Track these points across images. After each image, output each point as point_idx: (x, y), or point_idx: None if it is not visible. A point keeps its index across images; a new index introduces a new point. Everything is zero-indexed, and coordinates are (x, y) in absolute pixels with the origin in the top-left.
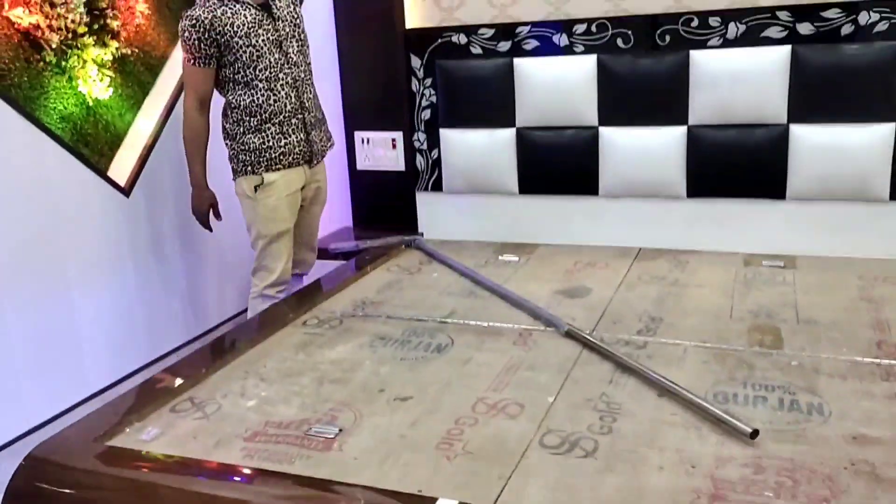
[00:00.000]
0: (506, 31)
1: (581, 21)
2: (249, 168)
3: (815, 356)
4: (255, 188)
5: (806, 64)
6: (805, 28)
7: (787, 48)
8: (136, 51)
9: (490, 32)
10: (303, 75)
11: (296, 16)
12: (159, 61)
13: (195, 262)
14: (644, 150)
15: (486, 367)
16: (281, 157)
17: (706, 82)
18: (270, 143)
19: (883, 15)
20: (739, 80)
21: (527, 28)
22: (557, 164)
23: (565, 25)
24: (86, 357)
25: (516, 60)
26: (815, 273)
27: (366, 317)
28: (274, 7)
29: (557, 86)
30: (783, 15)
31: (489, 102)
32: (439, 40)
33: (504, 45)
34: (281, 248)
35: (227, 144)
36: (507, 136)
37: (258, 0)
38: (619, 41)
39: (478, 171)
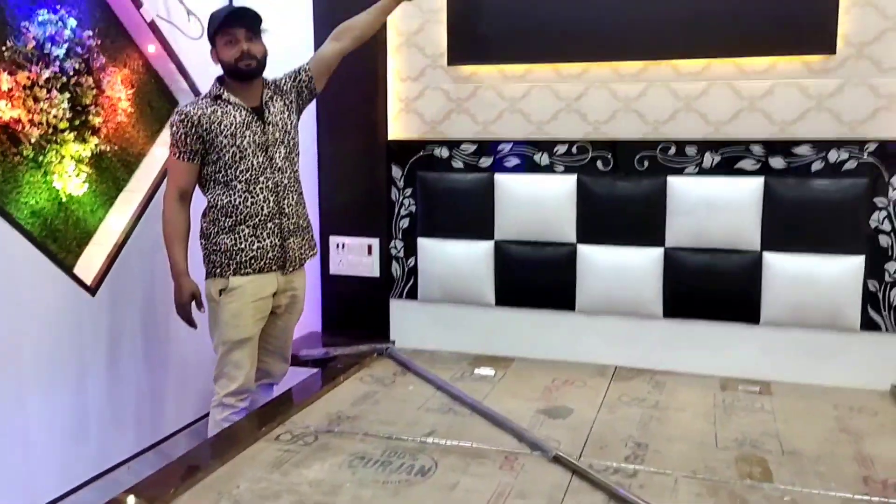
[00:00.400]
0: (488, 147)
1: (562, 142)
2: (218, 270)
3: (806, 491)
4: (220, 292)
5: (778, 196)
6: (777, 162)
7: (760, 180)
8: (115, 147)
9: (472, 148)
10: (286, 181)
11: (288, 122)
12: (136, 158)
13: (157, 365)
14: (621, 269)
15: (475, 494)
16: (251, 261)
17: (683, 207)
18: (242, 246)
19: (851, 154)
20: (715, 207)
21: (509, 145)
22: (535, 279)
23: (547, 145)
24: (35, 464)
25: (497, 176)
26: (792, 400)
27: (342, 433)
28: (267, 111)
29: (537, 202)
30: (756, 149)
31: (469, 215)
32: (421, 152)
33: (486, 161)
34: (242, 357)
35: (201, 244)
36: (485, 248)
37: (251, 103)
38: (599, 163)
39: (454, 280)
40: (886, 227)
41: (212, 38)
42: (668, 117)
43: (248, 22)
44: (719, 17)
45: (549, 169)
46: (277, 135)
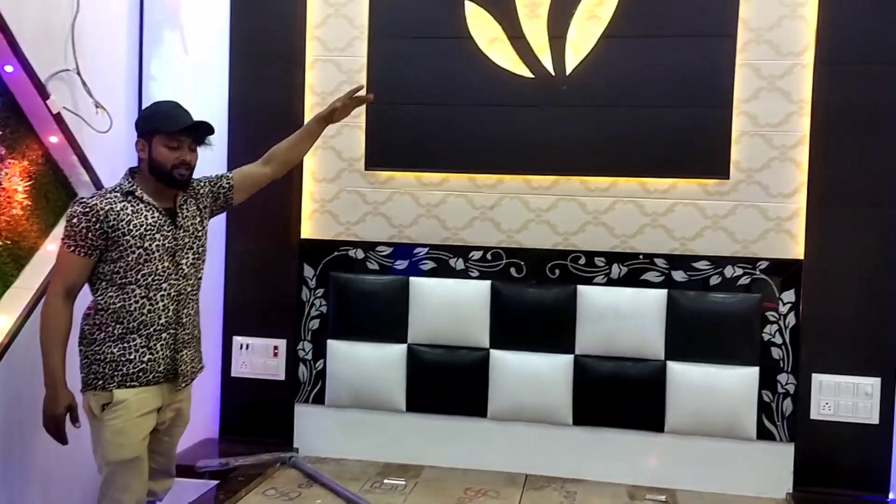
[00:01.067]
0: (403, 250)
1: (477, 248)
2: (100, 382)
3: None
4: (103, 407)
5: (680, 307)
6: (679, 275)
7: (663, 292)
8: (6, 241)
9: (388, 250)
10: (189, 289)
11: (199, 227)
12: (28, 253)
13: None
14: (533, 376)
15: None
16: (140, 374)
17: (592, 315)
18: (131, 357)
19: (745, 270)
20: (622, 316)
21: (424, 249)
22: (447, 384)
23: (462, 251)
24: None
25: (412, 279)
26: None
27: None
28: (180, 215)
29: (451, 307)
30: (660, 262)
31: (382, 317)
32: (335, 253)
33: (401, 264)
34: (129, 479)
35: (80, 350)
36: (397, 351)
37: (164, 204)
38: (513, 270)
39: (364, 385)
40: (778, 339)
41: (150, 132)
42: (577, 229)
43: (201, 136)
44: (626, 140)
45: (463, 274)
46: (187, 240)
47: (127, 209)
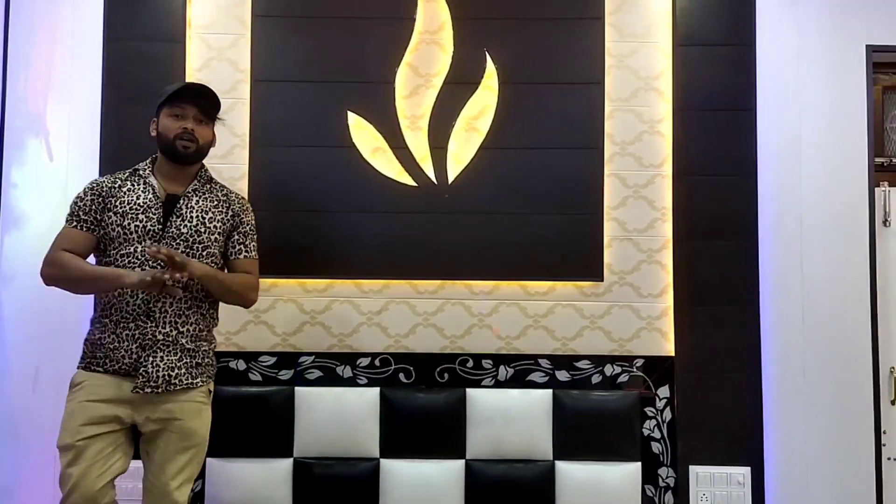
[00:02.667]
0: (288, 359)
1: (365, 355)
2: (79, 362)
3: None
4: (70, 386)
5: (565, 407)
6: (563, 375)
7: (549, 392)
8: None
9: (272, 360)
10: (170, 283)
11: (208, 225)
12: None
13: None
14: (424, 484)
15: None
16: (102, 360)
17: (481, 419)
18: (101, 340)
19: (623, 368)
20: (511, 418)
21: (310, 358)
22: (336, 498)
23: (349, 358)
24: None
25: (298, 389)
26: None
27: None
28: (183, 201)
29: (340, 416)
30: (544, 362)
31: (266, 431)
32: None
33: (286, 374)
34: (68, 469)
35: None
36: (283, 467)
37: (171, 189)
38: (402, 376)
39: None
40: (657, 434)
41: (158, 107)
42: (463, 332)
43: (205, 102)
44: (506, 245)
45: (352, 382)
46: (183, 229)
47: (125, 187)
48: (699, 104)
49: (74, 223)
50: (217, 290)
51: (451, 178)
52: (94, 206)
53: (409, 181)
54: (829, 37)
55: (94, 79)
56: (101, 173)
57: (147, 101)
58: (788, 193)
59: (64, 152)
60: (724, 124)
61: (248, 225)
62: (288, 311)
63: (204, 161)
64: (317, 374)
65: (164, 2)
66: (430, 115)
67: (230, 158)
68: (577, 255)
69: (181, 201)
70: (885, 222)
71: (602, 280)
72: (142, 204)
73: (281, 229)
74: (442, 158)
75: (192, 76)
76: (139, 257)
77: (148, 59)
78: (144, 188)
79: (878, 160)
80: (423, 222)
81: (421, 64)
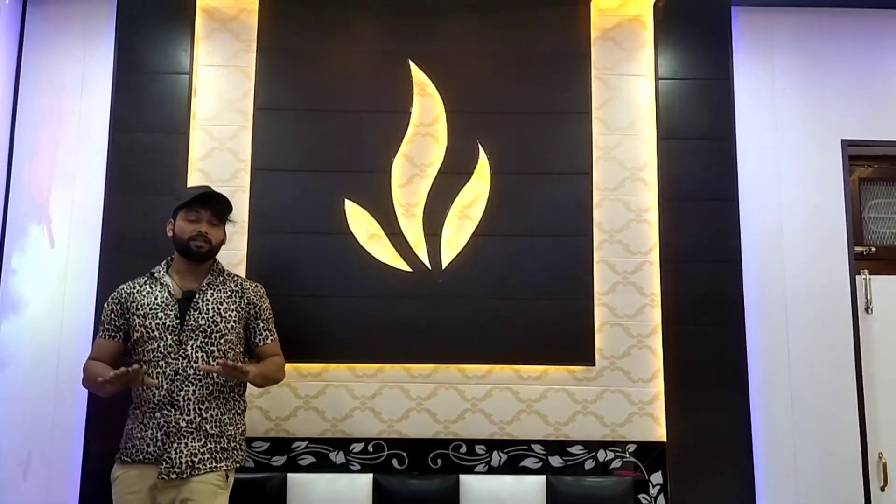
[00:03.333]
0: (281, 445)
1: (358, 440)
2: (116, 455)
3: None
4: (111, 480)
5: (559, 493)
6: (556, 461)
7: (542, 478)
8: None
9: (264, 446)
10: (191, 371)
11: (222, 315)
12: None
13: None
14: None
15: None
16: (132, 451)
17: None
18: (132, 432)
19: (616, 454)
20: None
21: (303, 443)
22: None
23: (342, 443)
24: None
25: (290, 476)
26: None
27: None
28: (200, 296)
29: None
30: (538, 448)
31: None
32: None
33: (279, 460)
34: None
35: None
36: None
37: (187, 286)
38: (395, 461)
39: None
40: None
41: (175, 211)
42: (457, 417)
43: (217, 207)
44: (499, 330)
45: (344, 468)
46: (200, 321)
47: (143, 290)
48: (684, 194)
49: (101, 332)
50: (262, 382)
51: (444, 263)
52: (115, 314)
53: (403, 266)
54: (806, 131)
55: (97, 167)
56: (102, 261)
57: (149, 190)
58: (773, 281)
59: (65, 239)
60: (708, 214)
61: (266, 311)
62: (282, 395)
63: None
64: (310, 459)
65: (170, 95)
66: (425, 203)
67: (229, 244)
68: (569, 340)
69: (197, 296)
70: (868, 309)
71: (594, 365)
72: (160, 303)
73: (277, 314)
74: (436, 245)
75: (194, 165)
76: (162, 351)
77: (152, 149)
78: (161, 288)
79: (858, 249)
80: (417, 307)
81: (416, 154)
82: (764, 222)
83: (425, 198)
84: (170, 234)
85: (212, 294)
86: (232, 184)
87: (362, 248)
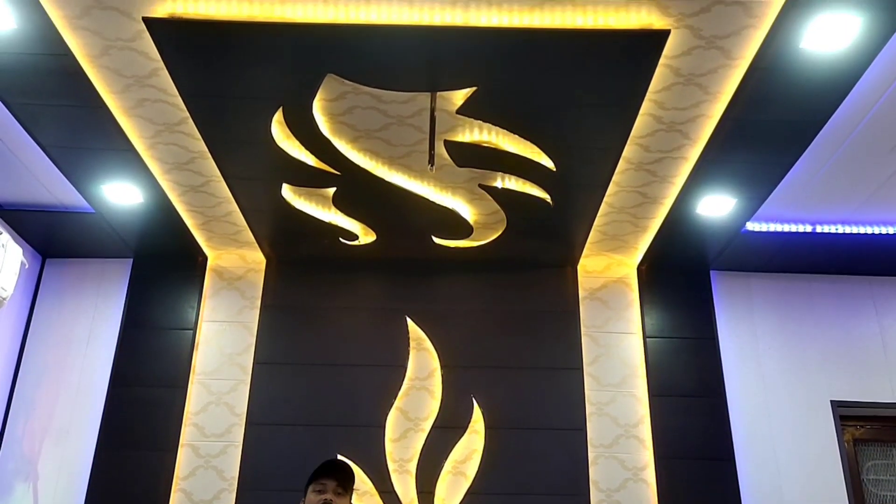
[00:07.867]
0: None
1: None
2: None
3: None
4: None
5: None
6: None
7: None
8: None
9: None
10: None
11: None
12: None
13: None
14: None
15: None
16: None
17: None
18: None
19: None
20: None
21: None
22: None
23: None
24: None
25: None
26: None
27: None
28: None
29: None
30: None
31: None
32: None
33: None
34: None
35: None
36: None
37: None
38: None
39: None
40: None
41: (306, 487)
42: None
43: (340, 476)
44: None
45: None
46: None
47: None
48: (680, 452)
49: None
50: None
51: None
52: None
53: None
54: (795, 392)
55: (92, 423)
56: None
57: (139, 445)
58: None
59: (50, 497)
60: (706, 474)
61: None
62: None
63: None
64: None
65: (173, 350)
66: (418, 459)
67: (216, 502)
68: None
69: None
70: None
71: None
72: None
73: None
74: (429, 502)
75: (188, 420)
76: None
77: (148, 404)
78: None
79: None
80: None
81: (411, 408)
82: (763, 484)
83: (419, 453)
84: None
85: None
86: (225, 438)
87: None
